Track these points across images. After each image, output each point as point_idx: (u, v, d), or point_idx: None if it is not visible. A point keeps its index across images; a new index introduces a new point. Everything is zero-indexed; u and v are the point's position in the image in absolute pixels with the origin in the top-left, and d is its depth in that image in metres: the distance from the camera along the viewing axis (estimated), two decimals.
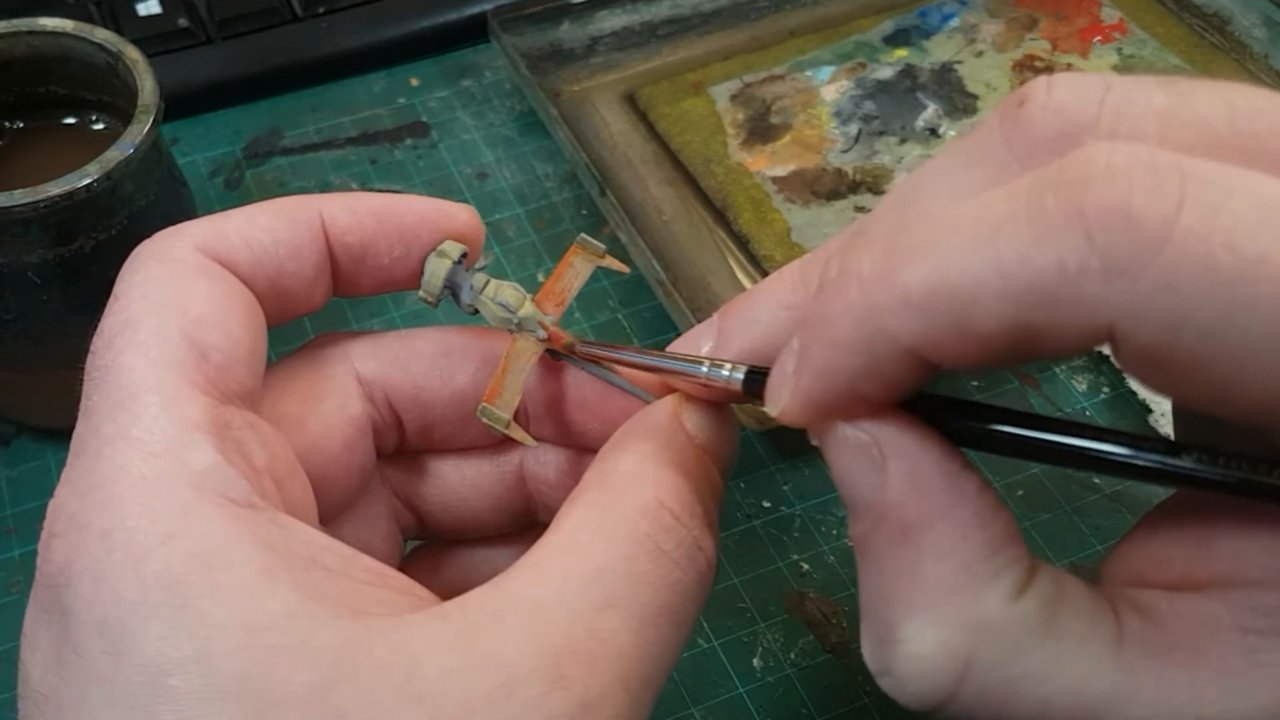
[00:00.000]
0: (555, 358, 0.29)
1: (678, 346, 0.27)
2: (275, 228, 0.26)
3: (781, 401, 0.23)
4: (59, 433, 0.42)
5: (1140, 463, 0.21)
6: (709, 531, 0.25)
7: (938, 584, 0.21)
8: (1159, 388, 0.20)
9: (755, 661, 0.38)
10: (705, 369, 0.25)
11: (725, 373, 0.25)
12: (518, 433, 0.27)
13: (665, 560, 0.23)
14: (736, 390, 0.25)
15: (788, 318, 0.25)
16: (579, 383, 0.29)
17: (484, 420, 0.27)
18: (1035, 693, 0.21)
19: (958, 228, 0.20)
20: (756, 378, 0.24)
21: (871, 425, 0.22)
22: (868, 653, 0.23)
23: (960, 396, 0.23)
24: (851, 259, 0.21)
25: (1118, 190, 0.18)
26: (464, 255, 0.28)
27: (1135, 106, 0.21)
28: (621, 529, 0.23)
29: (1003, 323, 0.19)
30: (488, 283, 0.28)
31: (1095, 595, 0.22)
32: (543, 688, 0.21)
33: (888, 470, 0.22)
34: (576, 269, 0.29)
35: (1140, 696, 0.20)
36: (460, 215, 0.28)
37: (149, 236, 0.26)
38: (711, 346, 0.26)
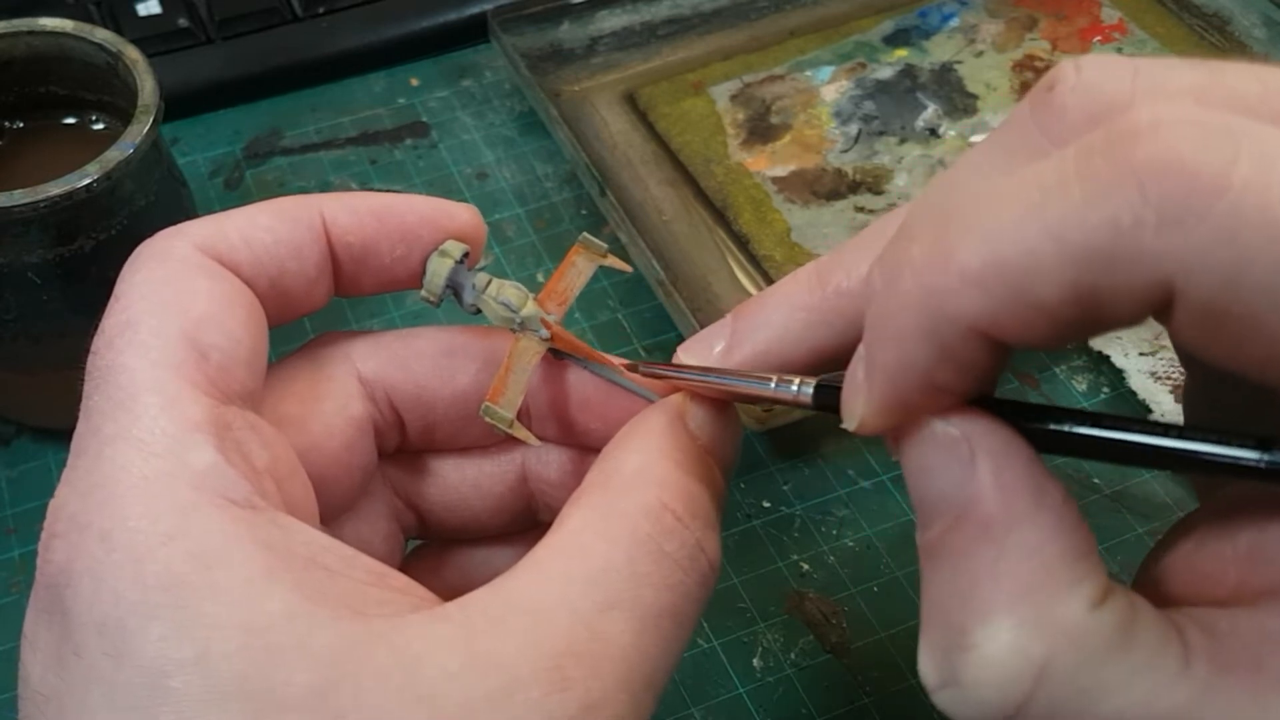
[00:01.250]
0: (558, 357, 0.29)
1: (689, 347, 0.27)
2: (276, 227, 0.26)
3: (858, 410, 0.22)
4: (59, 433, 0.42)
5: (1233, 460, 0.20)
6: (711, 532, 0.25)
7: (1018, 584, 0.20)
8: (1212, 355, 0.19)
9: (755, 661, 0.38)
10: (773, 385, 0.25)
11: (794, 388, 0.24)
12: (521, 432, 0.27)
13: (667, 561, 0.23)
14: (806, 403, 0.24)
15: (802, 319, 0.25)
16: (582, 382, 0.29)
17: (487, 420, 0.27)
18: (1107, 706, 0.20)
19: (1006, 200, 0.19)
20: (826, 390, 0.24)
21: (962, 420, 0.21)
22: (928, 666, 0.22)
23: None
24: (900, 252, 0.20)
25: (1170, 142, 0.18)
26: (466, 255, 0.28)
27: (1168, 84, 0.20)
28: (623, 530, 0.23)
29: (1063, 289, 0.19)
30: (490, 282, 0.28)
31: (1163, 614, 0.21)
32: (544, 689, 0.21)
33: (976, 466, 0.21)
34: (579, 268, 0.29)
35: (1208, 714, 0.20)
36: (462, 215, 0.28)
37: (149, 236, 0.26)
38: (723, 347, 0.26)
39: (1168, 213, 0.18)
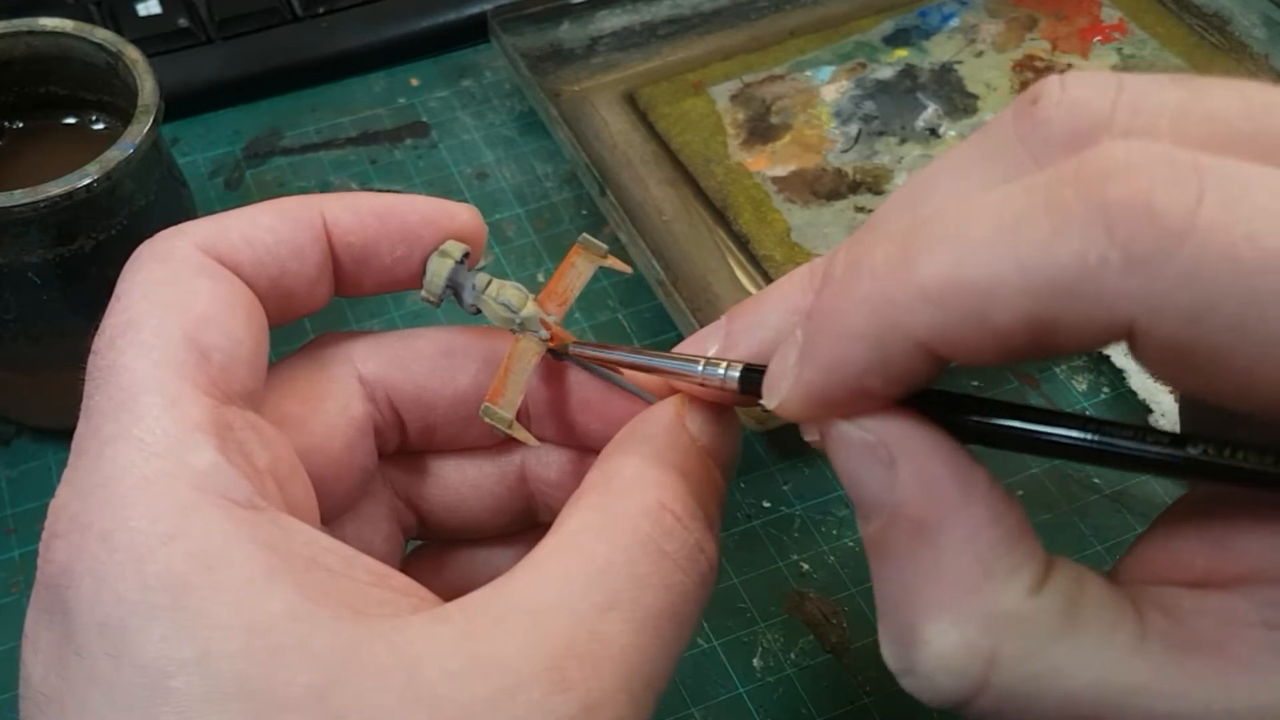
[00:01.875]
0: (558, 358, 0.29)
1: (685, 349, 0.27)
2: (277, 227, 0.26)
3: (781, 394, 0.22)
4: (59, 433, 0.42)
5: (1148, 455, 0.21)
6: (711, 533, 0.25)
7: (956, 582, 0.21)
8: (1179, 384, 0.20)
9: (755, 661, 0.38)
10: (700, 368, 0.25)
11: (721, 371, 0.25)
12: (520, 433, 0.27)
13: (667, 562, 0.23)
14: (733, 389, 0.25)
15: (797, 322, 0.25)
16: (581, 383, 0.29)
17: (486, 420, 0.27)
18: (1060, 688, 0.20)
19: (975, 221, 0.19)
20: (753, 376, 0.24)
21: (877, 424, 0.22)
22: (888, 653, 0.22)
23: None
24: (863, 251, 0.21)
25: (1138, 184, 0.18)
26: (466, 255, 0.28)
27: (1149, 103, 0.21)
28: (623, 530, 0.23)
29: (1020, 317, 0.19)
30: (490, 282, 0.28)
31: (1116, 591, 0.21)
32: (544, 690, 0.21)
33: (897, 470, 0.21)
34: (579, 269, 0.29)
35: (1167, 692, 0.20)
36: (462, 215, 0.28)
37: (149, 236, 0.26)
38: (718, 349, 0.26)
39: (1133, 254, 0.18)
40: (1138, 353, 0.19)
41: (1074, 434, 0.21)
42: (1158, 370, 0.19)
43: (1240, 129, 0.20)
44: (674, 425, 0.26)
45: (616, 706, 0.22)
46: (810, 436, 0.23)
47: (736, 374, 0.25)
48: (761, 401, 0.23)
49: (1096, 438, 0.21)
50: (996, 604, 0.21)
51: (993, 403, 0.22)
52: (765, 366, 0.23)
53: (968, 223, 0.19)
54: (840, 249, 0.22)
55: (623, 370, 0.28)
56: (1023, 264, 0.19)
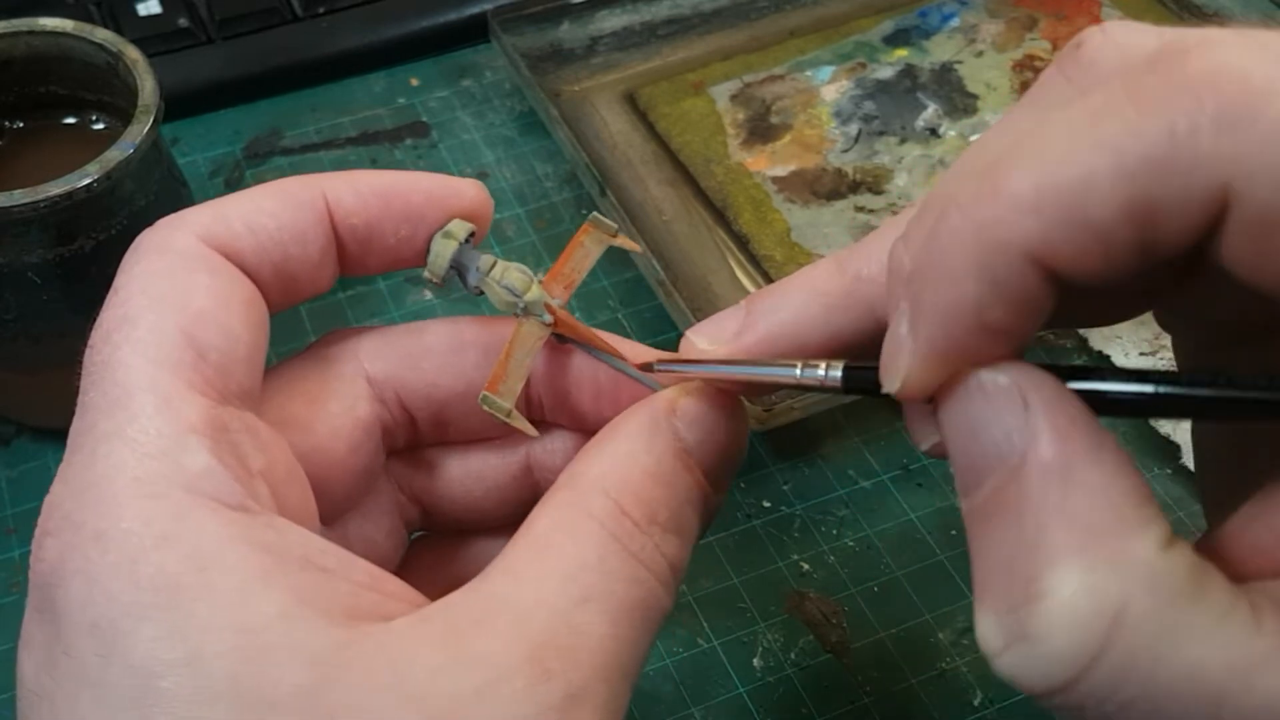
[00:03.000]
0: (561, 342, 0.28)
1: (700, 330, 0.26)
2: (279, 212, 0.26)
3: (901, 369, 0.21)
4: (59, 433, 0.42)
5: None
6: (673, 536, 0.24)
7: (1088, 524, 0.20)
8: (1269, 270, 0.19)
9: (755, 661, 0.38)
10: (799, 371, 0.24)
11: (821, 372, 0.24)
12: (520, 422, 0.27)
13: (633, 561, 0.23)
14: (835, 386, 0.24)
15: (822, 303, 0.24)
16: (590, 368, 0.28)
17: (485, 409, 0.27)
18: (1185, 655, 0.19)
19: (1056, 129, 0.19)
20: (855, 373, 0.23)
21: (1011, 369, 0.21)
22: (990, 630, 0.20)
23: None
24: (945, 198, 0.20)
25: (1218, 53, 0.18)
26: (471, 235, 0.27)
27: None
28: (589, 531, 0.23)
29: (1119, 205, 0.19)
30: (494, 264, 0.28)
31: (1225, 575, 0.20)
32: (527, 681, 0.21)
33: (1031, 412, 0.20)
34: (587, 249, 0.29)
35: (1275, 677, 0.19)
36: (468, 192, 0.27)
37: None
38: (738, 329, 0.25)
39: (1224, 116, 0.18)
40: (1227, 240, 0.19)
41: (1207, 393, 0.20)
42: (1244, 256, 0.19)
43: None
44: (653, 424, 0.25)
45: (596, 695, 0.22)
46: (927, 442, 0.22)
47: (838, 373, 0.24)
48: (884, 390, 0.22)
49: (1228, 393, 0.20)
50: (1130, 552, 0.19)
51: (1110, 369, 0.21)
52: (867, 364, 0.23)
53: (1049, 132, 0.19)
54: (913, 213, 0.21)
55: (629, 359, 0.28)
56: (1114, 149, 0.19)
